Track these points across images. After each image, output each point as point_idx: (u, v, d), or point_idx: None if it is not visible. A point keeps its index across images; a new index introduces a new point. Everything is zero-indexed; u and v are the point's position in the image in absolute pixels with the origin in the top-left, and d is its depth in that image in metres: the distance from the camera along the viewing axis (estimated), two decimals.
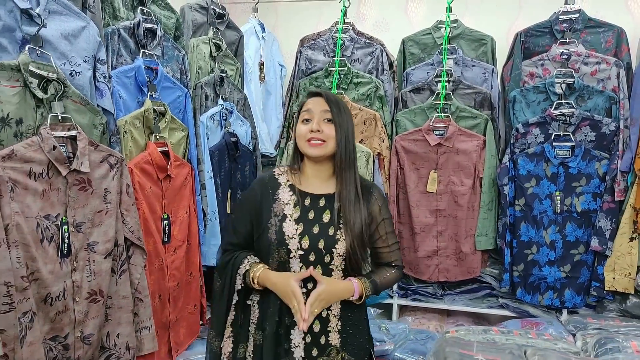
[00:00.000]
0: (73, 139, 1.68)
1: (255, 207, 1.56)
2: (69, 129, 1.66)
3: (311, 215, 1.52)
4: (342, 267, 1.52)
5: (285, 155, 2.95)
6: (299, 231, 1.49)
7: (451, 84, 2.90)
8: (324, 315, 1.50)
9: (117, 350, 1.83)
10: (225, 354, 1.56)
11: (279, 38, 3.44)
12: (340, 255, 1.49)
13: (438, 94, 2.88)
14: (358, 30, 3.07)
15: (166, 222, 2.14)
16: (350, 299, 1.52)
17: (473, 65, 2.96)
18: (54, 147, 1.58)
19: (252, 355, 1.52)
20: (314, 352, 1.49)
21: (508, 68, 2.92)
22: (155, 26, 2.14)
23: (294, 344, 1.48)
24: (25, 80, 1.53)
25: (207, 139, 2.45)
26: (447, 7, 2.88)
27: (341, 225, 1.50)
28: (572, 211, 2.67)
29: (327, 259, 1.49)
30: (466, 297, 3.03)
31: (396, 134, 2.95)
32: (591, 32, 2.78)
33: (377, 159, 2.91)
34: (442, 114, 2.87)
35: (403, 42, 3.08)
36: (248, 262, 1.53)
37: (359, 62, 3.00)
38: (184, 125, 2.31)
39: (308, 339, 1.49)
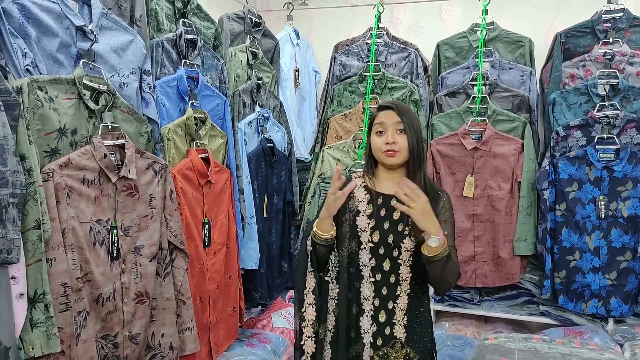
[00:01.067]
0: (121, 147, 1.76)
1: None
2: (117, 138, 1.75)
3: (382, 212, 1.65)
4: (410, 262, 1.61)
5: (319, 160, 3.00)
6: (370, 225, 1.63)
7: (487, 87, 2.89)
8: (390, 307, 1.61)
9: (161, 350, 1.90)
10: (309, 321, 1.69)
11: (313, 44, 3.49)
12: (407, 250, 1.60)
13: (474, 97, 2.87)
14: (392, 35, 3.09)
15: (207, 226, 2.20)
16: (432, 240, 1.49)
17: (510, 68, 2.94)
18: (105, 155, 1.66)
19: (332, 331, 1.68)
20: (379, 342, 1.62)
21: (547, 70, 2.89)
22: (195, 37, 2.22)
23: (364, 330, 1.62)
24: (79, 92, 1.62)
25: (245, 145, 2.52)
26: (482, 10, 2.87)
27: (410, 223, 1.59)
28: (618, 216, 2.61)
29: (395, 253, 1.61)
30: (504, 303, 2.99)
31: (431, 138, 2.95)
32: (636, 31, 2.72)
33: None
34: (479, 117, 2.86)
35: (438, 45, 3.08)
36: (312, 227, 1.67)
37: (394, 67, 3.02)
38: (223, 132, 2.38)
39: (374, 328, 1.62)
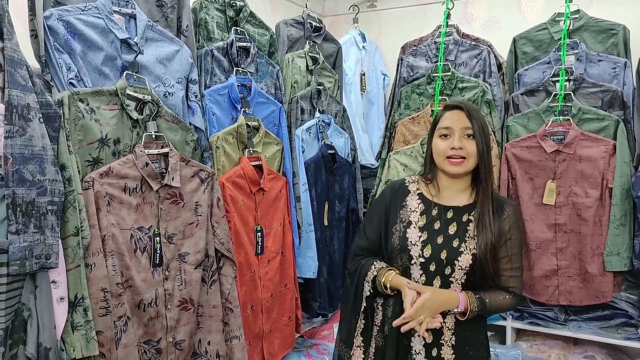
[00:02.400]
0: (166, 155, 1.79)
1: (384, 212, 1.59)
2: (162, 147, 1.78)
3: (437, 225, 1.52)
4: (463, 281, 1.48)
5: (386, 166, 2.87)
6: (422, 239, 1.50)
7: (572, 83, 2.59)
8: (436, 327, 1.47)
9: (208, 357, 1.91)
10: None
11: (383, 46, 3.38)
12: (462, 269, 1.46)
13: (556, 95, 2.59)
14: (463, 33, 2.89)
15: (259, 234, 2.19)
16: (455, 311, 1.45)
17: (599, 60, 2.62)
18: (147, 164, 1.70)
19: (372, 358, 1.55)
20: None
21: None
22: (248, 44, 2.22)
23: (415, 350, 1.50)
24: (122, 103, 1.68)
25: (303, 152, 2.48)
26: None
27: (467, 239, 1.47)
28: None
29: (447, 270, 1.47)
30: (595, 324, 2.65)
31: (507, 141, 2.71)
32: None
33: None
34: (561, 117, 2.57)
35: (514, 40, 2.83)
36: (375, 267, 1.54)
37: (464, 66, 2.82)
38: (278, 139, 2.36)
39: (423, 352, 1.49)
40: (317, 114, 2.61)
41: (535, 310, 2.75)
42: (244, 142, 2.17)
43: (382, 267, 1.53)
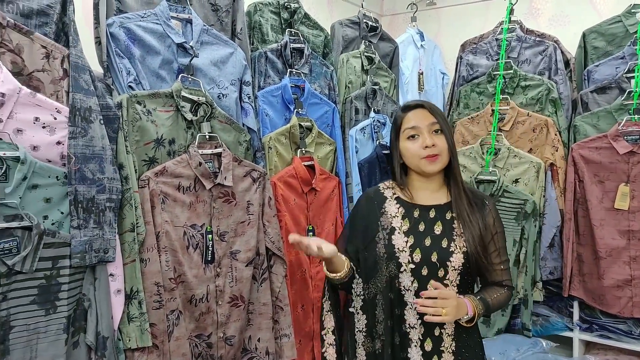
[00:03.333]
0: (219, 155, 1.84)
1: (362, 221, 1.54)
2: (215, 147, 1.84)
3: (421, 227, 1.46)
4: (458, 282, 1.43)
5: None
6: (409, 244, 1.44)
7: None
8: (436, 333, 1.43)
9: (257, 354, 1.94)
10: None
11: (442, 44, 3.30)
12: (455, 269, 1.42)
13: (630, 92, 2.42)
14: (527, 28, 2.76)
15: (311, 233, 2.20)
16: (465, 318, 1.39)
17: None
18: (200, 164, 1.75)
19: None
20: None
21: None
22: (302, 45, 2.24)
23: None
24: (177, 105, 1.74)
25: (357, 152, 2.46)
26: None
27: (455, 237, 1.42)
28: None
29: (440, 273, 1.42)
30: None
31: (574, 142, 2.56)
32: None
33: (549, 171, 2.57)
34: (636, 115, 2.40)
35: (584, 35, 2.67)
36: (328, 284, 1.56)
37: (528, 63, 2.69)
38: (331, 139, 2.36)
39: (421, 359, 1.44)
40: (372, 114, 2.59)
41: (606, 322, 2.58)
42: (296, 143, 2.19)
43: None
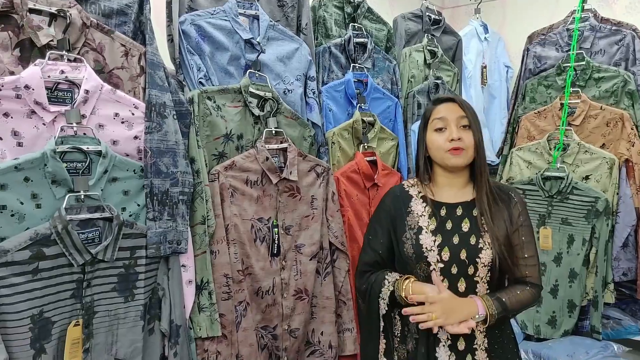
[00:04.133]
0: (285, 150, 1.86)
1: (390, 222, 1.51)
2: (281, 142, 1.86)
3: (449, 225, 1.44)
4: (488, 278, 1.40)
5: (508, 163, 2.72)
6: (437, 243, 1.41)
7: None
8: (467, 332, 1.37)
9: (320, 347, 1.95)
10: None
11: (507, 37, 3.19)
12: (485, 266, 1.38)
13: None
14: (601, 17, 2.63)
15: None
16: (477, 319, 1.34)
17: None
18: (267, 158, 1.78)
19: None
20: None
21: None
22: (365, 40, 2.23)
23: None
24: (245, 100, 1.77)
25: None
26: None
27: (483, 234, 1.38)
28: None
29: (470, 270, 1.39)
30: None
31: None
32: None
33: (624, 167, 2.45)
34: None
35: None
36: (389, 282, 1.46)
37: (602, 54, 2.57)
38: (393, 134, 2.34)
39: (452, 357, 1.40)
40: None
41: None
42: (359, 138, 2.18)
43: (397, 279, 1.44)
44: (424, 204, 1.48)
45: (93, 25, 1.44)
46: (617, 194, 2.45)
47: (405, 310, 1.37)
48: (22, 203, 1.29)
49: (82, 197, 1.37)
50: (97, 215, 1.40)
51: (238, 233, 1.73)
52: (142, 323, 1.50)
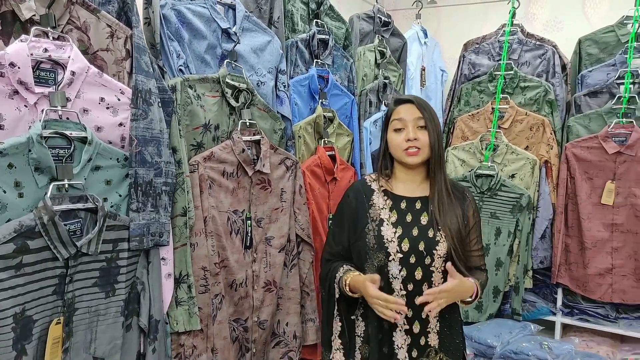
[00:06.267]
0: (257, 142, 1.86)
1: (351, 214, 1.60)
2: (254, 134, 1.85)
3: (409, 218, 1.54)
4: (442, 268, 1.51)
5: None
6: (397, 234, 1.51)
7: (637, 86, 2.62)
8: (423, 316, 1.52)
9: (285, 338, 1.99)
10: None
11: (441, 43, 3.41)
12: (441, 257, 1.50)
13: (620, 97, 2.63)
14: (527, 32, 2.92)
15: (331, 222, 2.25)
16: (469, 299, 1.53)
17: None
18: (243, 150, 1.77)
19: None
20: (414, 354, 1.53)
21: None
22: (327, 37, 2.28)
23: (397, 345, 1.53)
24: (222, 90, 1.75)
25: (370, 143, 2.53)
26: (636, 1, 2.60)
27: (439, 227, 1.51)
28: None
29: (427, 260, 1.51)
30: None
31: (567, 141, 2.75)
32: None
33: (544, 167, 2.75)
34: (624, 119, 2.60)
35: (579, 42, 2.85)
36: (343, 270, 1.56)
37: (527, 65, 2.85)
38: (349, 130, 2.42)
39: (408, 341, 1.53)
40: (383, 107, 2.66)
41: (587, 307, 2.81)
42: (319, 132, 2.23)
43: (349, 269, 1.55)
44: (385, 198, 1.58)
45: (78, 2, 1.35)
46: (538, 191, 2.75)
47: (419, 300, 1.42)
48: (4, 192, 1.18)
49: (66, 186, 1.28)
50: (80, 205, 1.32)
51: (215, 225, 1.70)
52: (122, 319, 1.44)
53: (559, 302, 2.88)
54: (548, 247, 2.81)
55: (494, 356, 2.46)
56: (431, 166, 1.55)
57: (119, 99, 1.40)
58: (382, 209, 1.56)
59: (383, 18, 2.76)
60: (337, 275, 1.56)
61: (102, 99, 1.37)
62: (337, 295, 1.56)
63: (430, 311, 1.40)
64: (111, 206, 1.42)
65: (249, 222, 1.82)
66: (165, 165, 1.52)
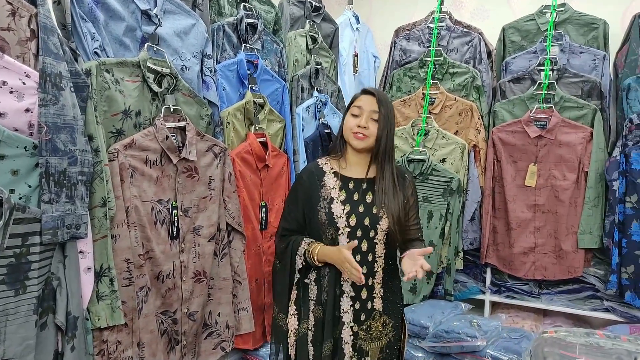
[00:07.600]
0: (182, 129, 1.80)
1: (305, 194, 1.73)
2: (179, 120, 1.79)
3: (355, 196, 1.70)
4: (384, 240, 1.69)
5: None
6: (346, 211, 1.67)
7: (555, 72, 2.74)
8: (369, 283, 1.69)
9: (217, 328, 1.95)
10: (291, 330, 1.72)
11: (373, 29, 3.43)
12: (383, 231, 1.68)
13: (540, 83, 2.74)
14: (455, 20, 2.99)
15: (264, 209, 2.23)
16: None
17: (581, 52, 2.77)
18: (167, 137, 1.71)
19: (312, 329, 1.69)
20: (362, 317, 1.69)
21: (622, 54, 2.70)
22: (256, 21, 2.23)
23: (343, 310, 1.68)
24: (143, 75, 1.67)
25: (303, 130, 2.52)
26: None
27: (382, 205, 1.67)
28: None
29: (371, 234, 1.68)
30: (565, 297, 2.86)
31: (493, 126, 2.84)
32: None
33: (472, 151, 2.84)
34: (544, 104, 2.72)
35: (503, 29, 2.95)
36: (305, 242, 1.70)
37: (456, 52, 2.92)
38: (281, 117, 2.39)
39: (357, 306, 1.68)
40: (315, 93, 2.65)
41: (513, 284, 2.94)
42: (250, 119, 2.19)
43: (312, 242, 1.69)
44: (335, 179, 1.72)
45: None
46: (467, 174, 2.84)
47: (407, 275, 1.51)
48: None
49: None
50: None
51: (138, 215, 1.64)
52: (35, 318, 1.36)
53: (488, 281, 3.00)
54: (477, 229, 2.91)
55: (427, 336, 2.53)
56: (378, 154, 1.68)
57: (24, 83, 1.31)
58: (332, 188, 1.70)
59: (314, 3, 2.74)
60: (300, 247, 1.69)
61: (4, 83, 1.27)
62: (299, 266, 1.70)
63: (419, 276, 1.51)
64: (20, 198, 1.32)
65: (175, 211, 1.76)
66: (81, 153, 1.43)
